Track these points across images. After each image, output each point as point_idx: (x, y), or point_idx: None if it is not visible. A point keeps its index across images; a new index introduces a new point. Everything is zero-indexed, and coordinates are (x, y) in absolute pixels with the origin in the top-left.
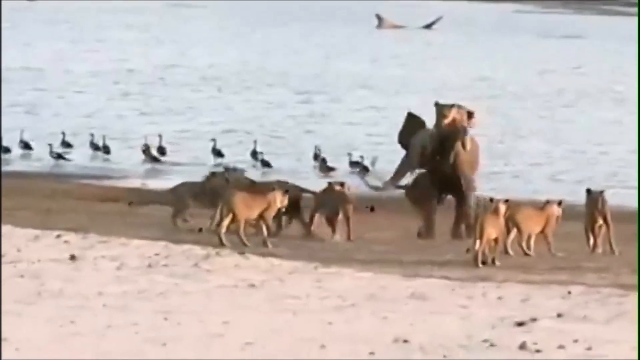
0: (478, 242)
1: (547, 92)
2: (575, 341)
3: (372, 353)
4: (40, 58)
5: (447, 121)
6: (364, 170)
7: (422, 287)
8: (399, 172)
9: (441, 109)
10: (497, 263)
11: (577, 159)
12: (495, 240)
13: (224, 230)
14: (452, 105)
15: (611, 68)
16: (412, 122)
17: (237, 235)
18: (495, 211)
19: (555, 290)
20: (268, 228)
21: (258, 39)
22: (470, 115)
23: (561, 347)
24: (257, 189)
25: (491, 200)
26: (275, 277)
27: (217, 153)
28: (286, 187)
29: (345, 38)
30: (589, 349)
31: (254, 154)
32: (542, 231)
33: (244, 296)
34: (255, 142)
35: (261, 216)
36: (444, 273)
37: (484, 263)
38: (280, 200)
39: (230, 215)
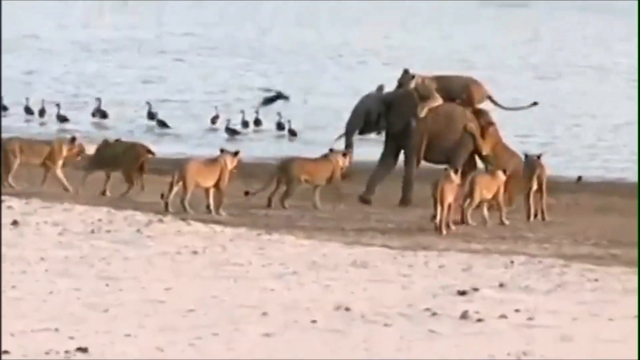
0: (439, 209)
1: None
2: (517, 311)
3: (313, 321)
4: None
5: (408, 88)
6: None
7: (363, 255)
8: (347, 136)
9: (403, 77)
10: (452, 228)
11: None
12: (449, 206)
13: (171, 196)
14: (413, 75)
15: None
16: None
17: (180, 202)
18: (447, 178)
19: (497, 260)
20: (221, 195)
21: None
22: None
23: (503, 316)
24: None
25: (446, 169)
26: (217, 243)
27: (62, 118)
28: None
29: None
30: (530, 318)
31: (151, 115)
32: (494, 197)
33: (186, 263)
34: (149, 103)
35: (216, 185)
36: (385, 241)
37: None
38: (231, 161)
39: (181, 183)
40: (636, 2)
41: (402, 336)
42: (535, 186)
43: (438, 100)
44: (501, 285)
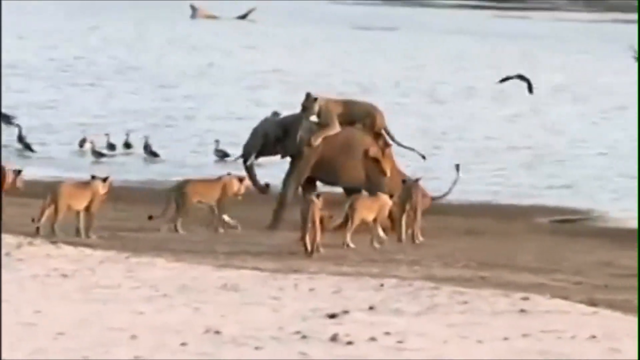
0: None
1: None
2: (387, 333)
3: (183, 344)
4: None
5: (309, 113)
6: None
7: (234, 278)
8: (244, 156)
9: (307, 100)
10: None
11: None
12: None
13: (43, 219)
14: (315, 98)
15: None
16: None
17: (50, 225)
18: (313, 202)
19: (367, 282)
20: (91, 218)
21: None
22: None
23: (373, 339)
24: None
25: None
26: (87, 266)
27: None
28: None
29: (162, 28)
30: (401, 341)
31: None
32: (374, 220)
33: (56, 286)
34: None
35: (87, 207)
36: (256, 264)
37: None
38: (102, 187)
39: (53, 206)
40: None
41: (273, 359)
42: (407, 210)
43: (335, 129)
44: (371, 308)
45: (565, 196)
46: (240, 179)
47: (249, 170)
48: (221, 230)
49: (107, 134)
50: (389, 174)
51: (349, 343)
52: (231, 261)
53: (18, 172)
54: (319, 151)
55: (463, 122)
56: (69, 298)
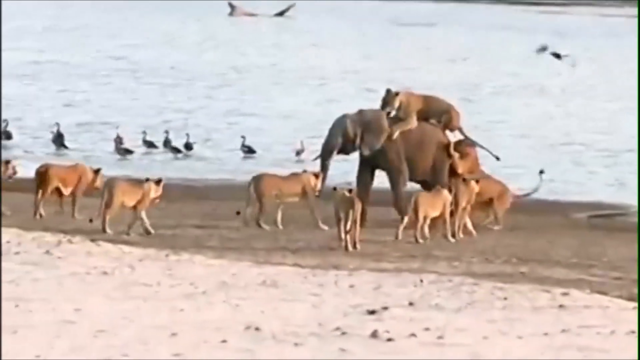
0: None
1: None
2: (427, 329)
3: (224, 341)
4: None
5: (389, 108)
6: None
7: (273, 275)
8: (322, 155)
9: (387, 96)
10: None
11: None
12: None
13: (106, 217)
14: (396, 93)
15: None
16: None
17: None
18: (348, 198)
19: (407, 279)
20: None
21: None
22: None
23: (412, 335)
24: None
25: (334, 188)
26: (126, 264)
27: None
28: None
29: (201, 27)
30: (440, 337)
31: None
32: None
33: (96, 283)
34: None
35: (135, 206)
36: (296, 260)
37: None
38: (155, 190)
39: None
40: None
41: (313, 355)
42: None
43: (413, 123)
44: (411, 303)
45: (603, 192)
46: (316, 175)
47: (324, 169)
48: (323, 227)
49: (144, 132)
50: (461, 172)
51: (389, 339)
52: (270, 257)
53: (97, 171)
54: (401, 144)
55: (502, 117)
56: (109, 296)
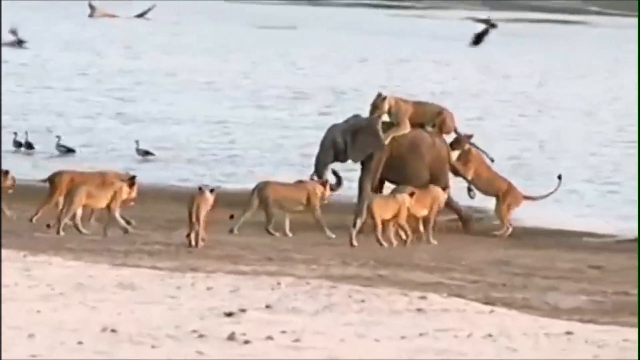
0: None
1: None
2: (284, 332)
3: (80, 342)
4: None
5: (379, 112)
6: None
7: (130, 277)
8: (317, 170)
9: (376, 99)
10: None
11: None
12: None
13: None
14: (385, 97)
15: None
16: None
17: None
18: (202, 196)
19: (264, 281)
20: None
21: None
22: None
23: (269, 337)
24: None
25: (200, 188)
26: None
27: None
28: None
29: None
30: (297, 340)
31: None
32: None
33: None
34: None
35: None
36: (153, 263)
37: None
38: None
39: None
40: None
41: (170, 358)
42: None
43: (406, 128)
44: (268, 306)
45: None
46: (323, 184)
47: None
48: (331, 234)
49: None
50: (470, 177)
51: (246, 342)
52: (128, 260)
53: (132, 179)
54: (388, 151)
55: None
56: None
